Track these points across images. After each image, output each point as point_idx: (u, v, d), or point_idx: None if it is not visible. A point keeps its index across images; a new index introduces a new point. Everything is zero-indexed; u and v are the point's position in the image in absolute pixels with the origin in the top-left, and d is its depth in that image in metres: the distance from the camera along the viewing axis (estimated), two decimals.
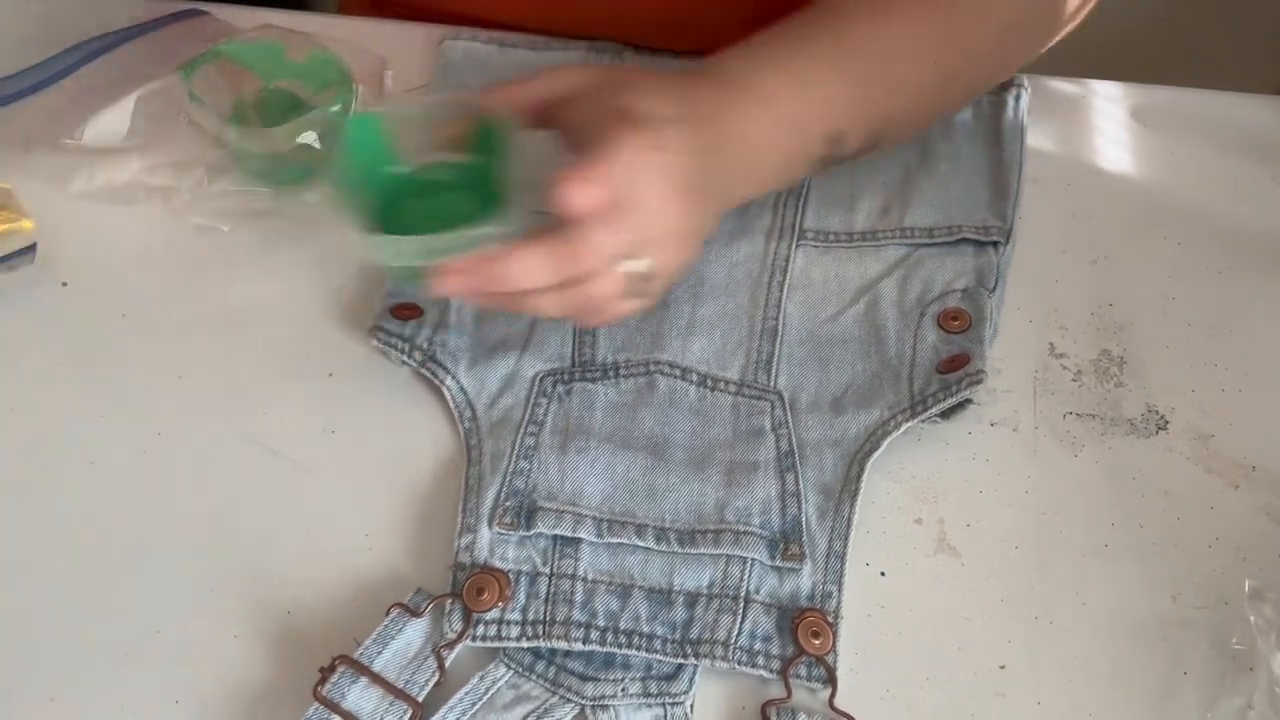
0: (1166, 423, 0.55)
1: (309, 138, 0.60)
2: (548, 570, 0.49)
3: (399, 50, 0.72)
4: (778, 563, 0.49)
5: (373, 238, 0.51)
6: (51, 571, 0.50)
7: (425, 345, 0.56)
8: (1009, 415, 0.55)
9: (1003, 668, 0.48)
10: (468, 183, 0.55)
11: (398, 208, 0.55)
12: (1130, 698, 0.47)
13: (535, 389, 0.55)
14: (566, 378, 0.55)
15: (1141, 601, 0.50)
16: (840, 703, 0.46)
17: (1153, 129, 0.63)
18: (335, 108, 0.61)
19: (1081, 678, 0.48)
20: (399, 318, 0.57)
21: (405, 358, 0.56)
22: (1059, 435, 0.55)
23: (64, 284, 0.60)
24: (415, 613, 0.47)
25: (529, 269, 0.46)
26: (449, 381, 0.55)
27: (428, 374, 0.55)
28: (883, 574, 0.50)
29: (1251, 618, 0.48)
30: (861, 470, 0.52)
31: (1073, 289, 0.60)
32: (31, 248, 0.58)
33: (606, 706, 0.46)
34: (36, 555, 0.51)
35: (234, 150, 0.62)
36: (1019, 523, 0.52)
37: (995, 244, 0.59)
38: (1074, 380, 0.57)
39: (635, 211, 0.47)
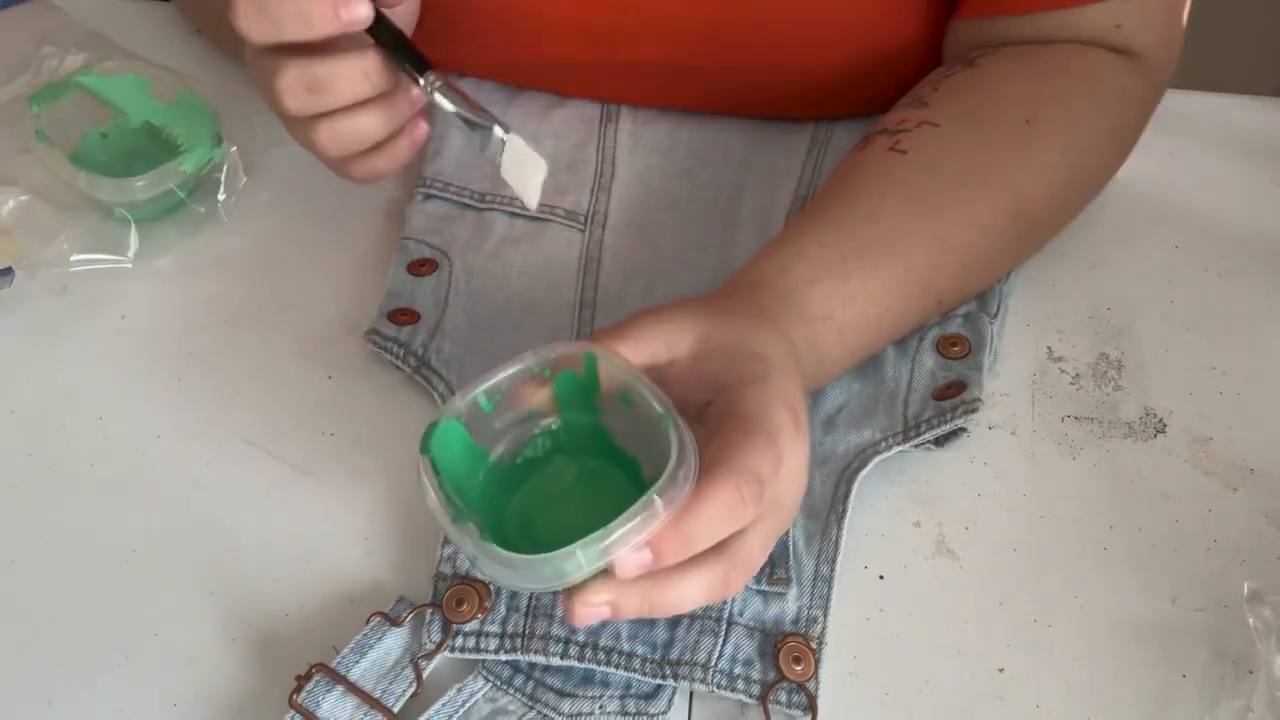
0: (1165, 426, 0.55)
1: (164, 187, 0.59)
2: None
3: None
4: (763, 587, 0.48)
5: (548, 558, 0.38)
6: (50, 573, 0.50)
7: (420, 351, 0.56)
8: (1007, 419, 0.55)
9: (1001, 671, 0.48)
10: (576, 445, 0.46)
11: (507, 502, 0.45)
12: (1129, 701, 0.47)
13: None
14: None
15: (1140, 604, 0.50)
16: (839, 706, 0.46)
17: (1151, 131, 0.63)
18: (192, 166, 0.59)
19: (1080, 681, 0.48)
20: (395, 322, 0.57)
21: (399, 363, 0.55)
22: (1057, 438, 0.55)
23: (64, 287, 0.60)
24: (395, 622, 0.47)
25: (717, 520, 0.40)
26: (442, 389, 0.55)
27: (421, 380, 0.55)
28: (881, 577, 0.50)
29: (1251, 621, 0.48)
30: (849, 490, 0.51)
31: (1071, 292, 0.60)
32: (8, 270, 0.58)
33: None
34: (36, 557, 0.51)
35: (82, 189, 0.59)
36: (1018, 526, 0.52)
37: None
38: (1072, 384, 0.57)
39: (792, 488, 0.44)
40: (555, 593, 0.47)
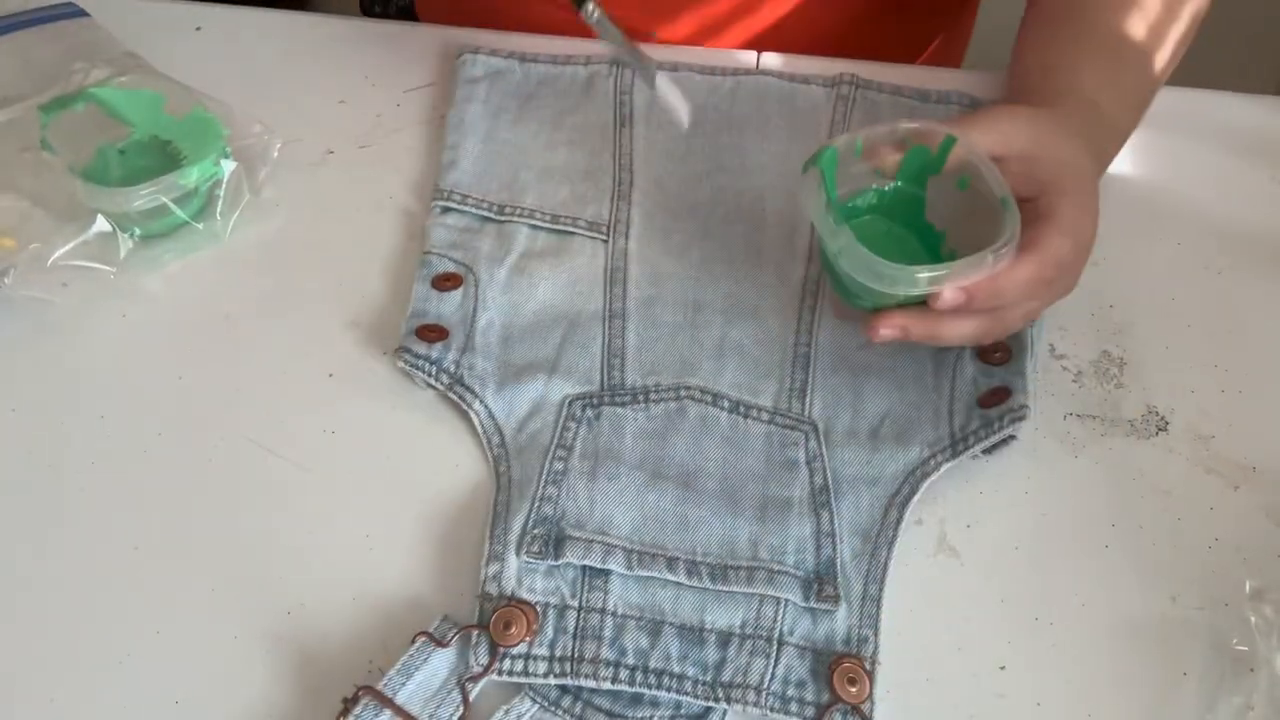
0: (1166, 423, 0.55)
1: (158, 201, 0.58)
2: (576, 603, 0.48)
3: (400, 53, 0.72)
4: (811, 604, 0.48)
5: (901, 268, 0.48)
6: (52, 572, 0.50)
7: (452, 368, 0.55)
8: None
9: (1003, 668, 0.48)
10: (894, 210, 0.55)
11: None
12: (1130, 698, 0.47)
13: (564, 413, 0.54)
14: (596, 402, 0.54)
15: (1141, 602, 0.50)
16: None
17: (1152, 129, 0.63)
18: (190, 179, 0.59)
19: (1081, 678, 0.48)
20: (424, 339, 0.56)
21: (432, 380, 0.55)
22: (1059, 436, 0.55)
23: (64, 284, 0.59)
24: (441, 643, 0.46)
25: (1020, 287, 0.50)
26: (477, 405, 0.54)
27: (454, 398, 0.54)
28: None
29: (1252, 618, 0.48)
30: (900, 516, 0.51)
31: (1072, 290, 0.60)
32: (3, 271, 0.57)
33: None
34: (37, 555, 0.50)
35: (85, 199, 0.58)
36: (1019, 523, 0.52)
37: None
38: (1074, 381, 0.57)
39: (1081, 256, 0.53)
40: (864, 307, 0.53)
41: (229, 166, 0.60)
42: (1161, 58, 0.62)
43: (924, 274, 0.48)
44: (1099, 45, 0.60)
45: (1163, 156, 0.67)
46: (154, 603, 0.49)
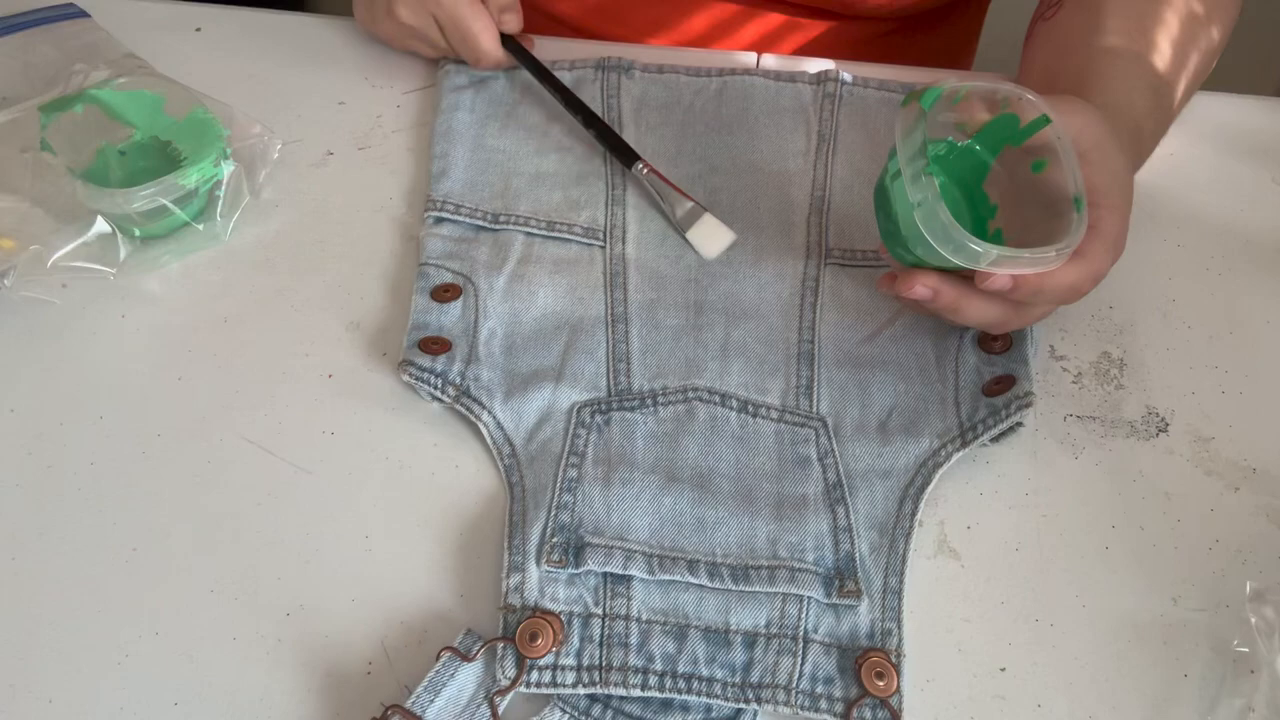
0: (1167, 425, 0.55)
1: (158, 202, 0.58)
2: (600, 611, 0.48)
3: (400, 55, 0.72)
4: (834, 600, 0.48)
5: (970, 239, 0.47)
6: (51, 572, 0.50)
7: (458, 380, 0.55)
8: None
9: (1003, 670, 0.48)
10: (955, 168, 0.54)
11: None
12: (1131, 700, 0.47)
13: (574, 420, 0.53)
14: (604, 407, 0.54)
15: (1142, 604, 0.50)
16: None
17: None
18: (189, 180, 0.58)
19: (1082, 680, 0.47)
20: (427, 352, 0.55)
21: (438, 393, 0.54)
22: (1059, 438, 0.55)
23: (64, 286, 0.59)
24: (467, 657, 0.46)
25: (1060, 290, 0.50)
26: (485, 417, 0.54)
27: (462, 409, 0.54)
28: None
29: (1253, 620, 0.48)
30: (916, 507, 0.51)
31: None
32: (3, 274, 0.57)
33: None
34: (36, 555, 0.50)
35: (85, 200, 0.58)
36: (1019, 525, 0.52)
37: None
38: (1074, 383, 0.57)
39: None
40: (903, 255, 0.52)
41: (229, 168, 0.60)
42: (1190, 88, 0.62)
43: (994, 254, 0.47)
44: (1149, 71, 0.60)
45: (1162, 157, 0.67)
46: (153, 603, 0.49)
